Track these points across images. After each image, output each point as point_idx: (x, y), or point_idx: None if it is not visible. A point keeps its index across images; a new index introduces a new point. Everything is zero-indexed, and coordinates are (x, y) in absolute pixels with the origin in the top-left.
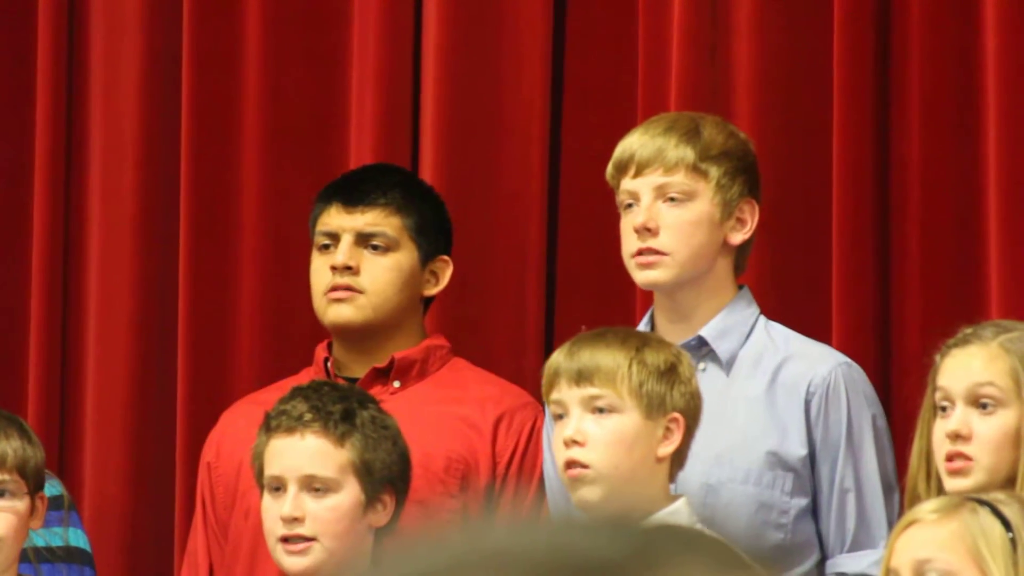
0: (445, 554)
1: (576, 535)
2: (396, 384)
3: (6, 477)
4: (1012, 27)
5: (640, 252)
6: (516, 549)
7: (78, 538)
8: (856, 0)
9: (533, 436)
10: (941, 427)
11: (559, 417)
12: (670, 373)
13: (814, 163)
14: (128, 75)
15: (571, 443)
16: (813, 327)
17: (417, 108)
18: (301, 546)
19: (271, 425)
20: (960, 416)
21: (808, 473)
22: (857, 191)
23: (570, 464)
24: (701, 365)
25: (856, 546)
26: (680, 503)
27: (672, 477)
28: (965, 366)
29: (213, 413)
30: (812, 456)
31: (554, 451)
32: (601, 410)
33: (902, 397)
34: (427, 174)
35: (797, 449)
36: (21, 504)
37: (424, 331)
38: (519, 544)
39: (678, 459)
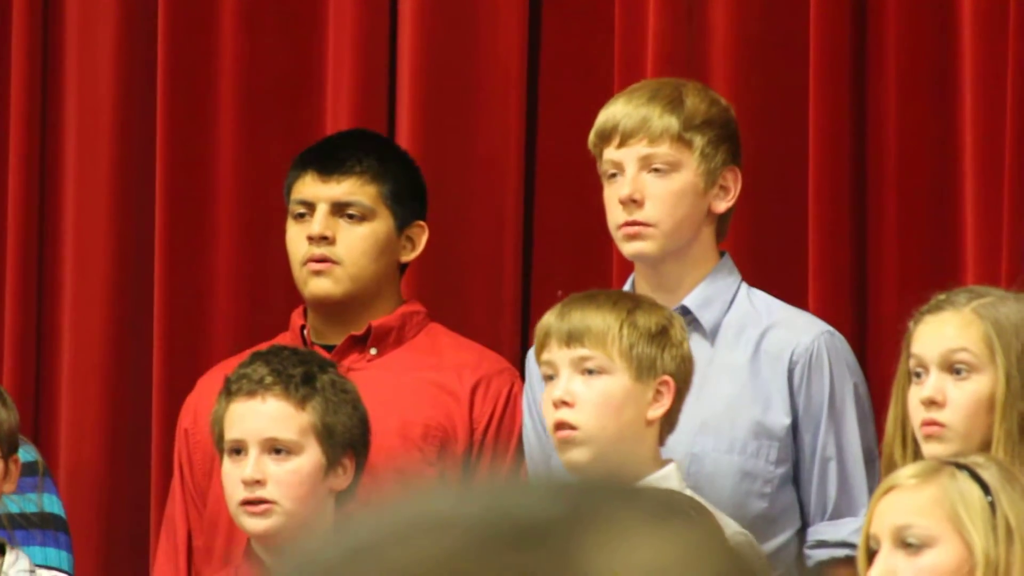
0: (381, 525)
1: (512, 496)
2: (373, 351)
3: None
4: None
5: (626, 224)
6: (451, 514)
7: (53, 504)
8: None
9: (510, 402)
10: (916, 394)
11: (549, 378)
12: (661, 336)
13: (791, 128)
14: (103, 41)
15: (560, 404)
16: (790, 293)
17: (393, 74)
18: (262, 507)
19: (231, 389)
20: (934, 382)
21: (791, 441)
22: (834, 156)
23: (559, 425)
24: None
25: (837, 514)
26: (670, 468)
27: (662, 440)
28: (938, 332)
29: (189, 378)
30: (795, 424)
31: (543, 412)
32: (591, 371)
33: (878, 363)
34: (403, 140)
35: (781, 418)
36: None
37: (400, 297)
38: (455, 509)
39: (668, 423)
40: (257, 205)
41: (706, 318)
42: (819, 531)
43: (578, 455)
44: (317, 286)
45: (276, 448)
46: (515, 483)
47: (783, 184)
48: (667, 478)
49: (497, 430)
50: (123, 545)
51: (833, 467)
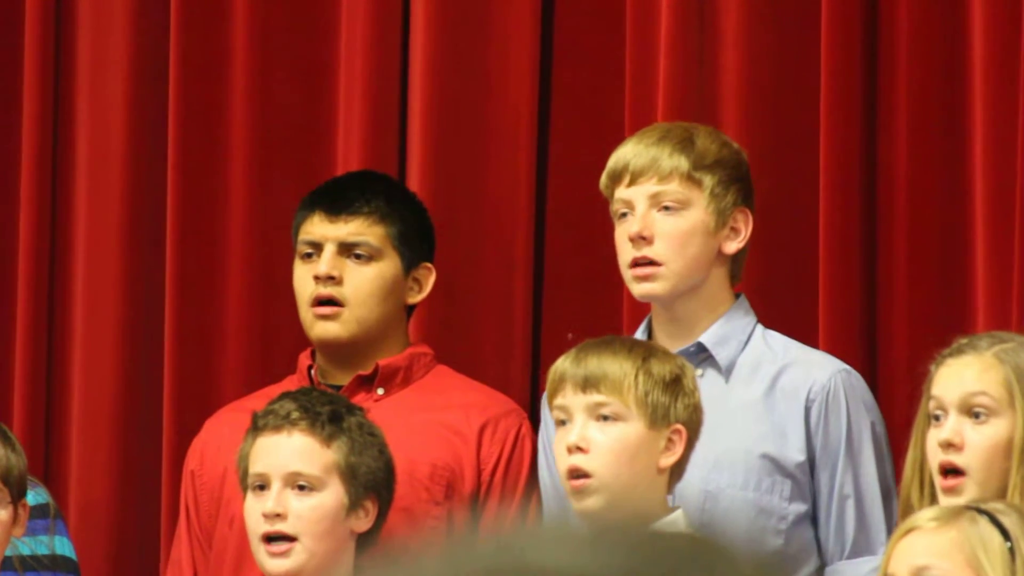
0: (429, 573)
1: (563, 553)
2: (380, 391)
3: None
4: (999, 35)
5: (636, 262)
6: (501, 569)
7: (64, 546)
8: (844, 7)
9: (518, 443)
10: (934, 436)
11: (562, 423)
12: (675, 384)
13: (802, 171)
14: (115, 82)
15: (574, 449)
16: (801, 334)
17: (404, 115)
18: (284, 547)
19: (258, 425)
20: (953, 425)
21: (807, 479)
22: (844, 199)
23: (572, 472)
24: (699, 371)
25: (856, 552)
26: (677, 514)
27: (670, 488)
28: (959, 375)
29: (199, 419)
30: (811, 463)
31: (556, 456)
32: (606, 418)
33: (890, 406)
34: (414, 181)
35: (795, 455)
36: (4, 513)
37: (408, 339)
38: (503, 563)
39: (677, 471)
40: (268, 248)
41: (722, 355)
42: (838, 570)
43: (592, 503)
44: (324, 330)
45: (299, 484)
46: (560, 537)
47: (794, 228)
48: (674, 524)
49: (505, 471)
50: None
51: (851, 505)
